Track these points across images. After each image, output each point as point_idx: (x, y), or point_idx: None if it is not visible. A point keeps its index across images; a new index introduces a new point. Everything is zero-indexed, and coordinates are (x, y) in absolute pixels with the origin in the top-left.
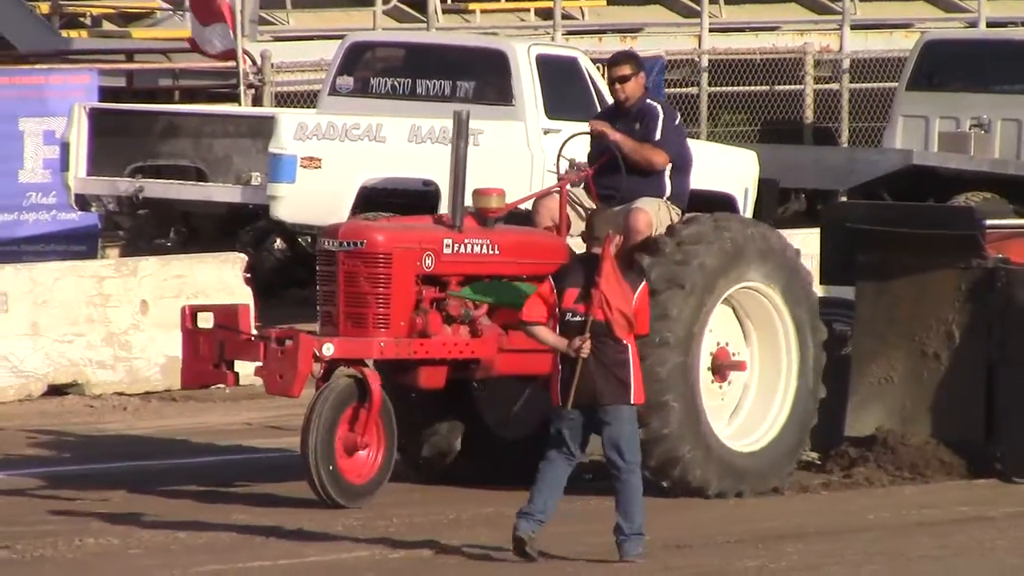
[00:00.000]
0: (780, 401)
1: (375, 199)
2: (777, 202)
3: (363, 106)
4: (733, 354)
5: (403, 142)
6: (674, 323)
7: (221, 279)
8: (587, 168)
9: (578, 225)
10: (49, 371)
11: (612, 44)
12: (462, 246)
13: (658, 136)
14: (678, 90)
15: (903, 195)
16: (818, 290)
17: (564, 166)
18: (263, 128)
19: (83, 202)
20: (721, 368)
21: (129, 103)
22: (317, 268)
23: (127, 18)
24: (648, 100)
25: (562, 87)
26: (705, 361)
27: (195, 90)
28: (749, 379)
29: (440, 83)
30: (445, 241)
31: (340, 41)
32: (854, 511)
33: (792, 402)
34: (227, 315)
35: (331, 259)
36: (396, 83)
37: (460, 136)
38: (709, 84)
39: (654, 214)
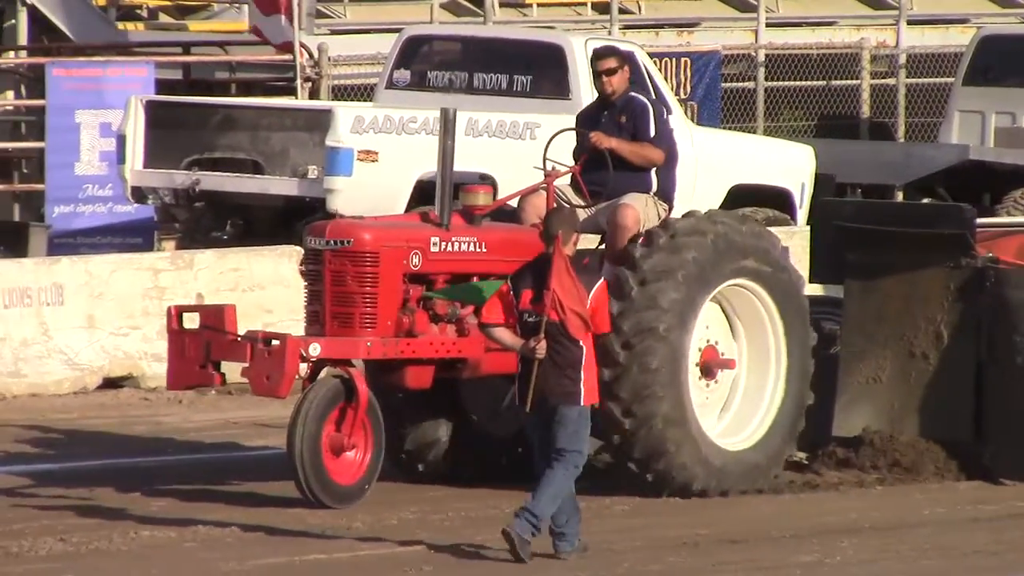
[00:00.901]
0: (768, 400)
1: (431, 192)
2: (833, 197)
3: (420, 100)
4: (721, 353)
5: (460, 136)
6: (664, 314)
7: (277, 272)
8: (574, 164)
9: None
10: (104, 364)
11: (669, 38)
12: (449, 244)
13: (652, 133)
14: (735, 85)
15: (959, 190)
16: (814, 289)
17: (549, 165)
18: (320, 121)
19: (139, 194)
20: (710, 366)
21: (185, 96)
22: (304, 267)
23: (184, 10)
24: (632, 93)
25: None
26: (694, 358)
27: (252, 83)
28: (737, 378)
29: (497, 77)
30: (432, 239)
31: (397, 35)
32: (909, 506)
33: (780, 402)
34: (213, 316)
35: (318, 258)
36: (453, 77)
37: (447, 133)
38: (766, 79)
39: (641, 210)
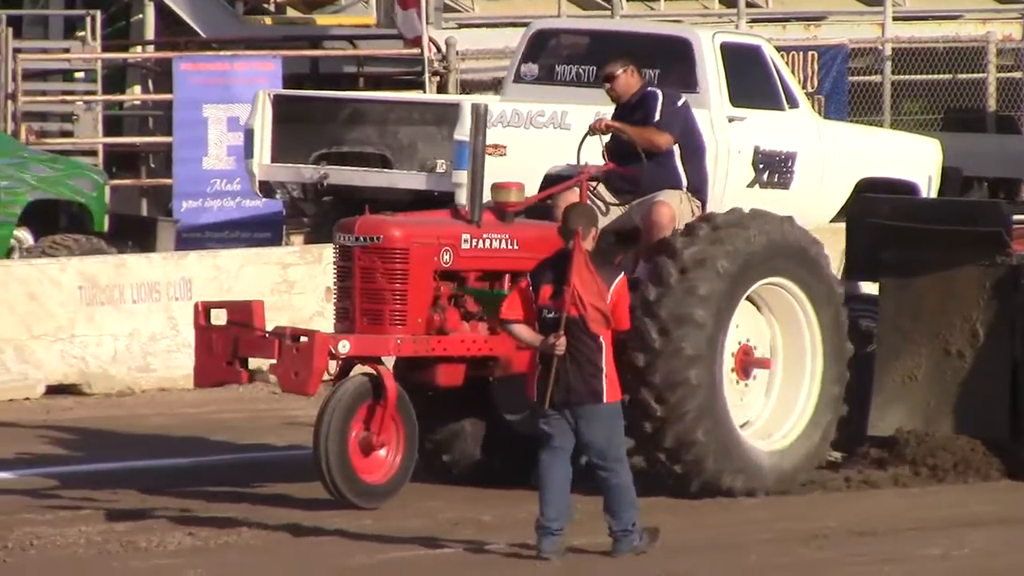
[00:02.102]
0: (803, 402)
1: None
2: (960, 190)
3: (547, 93)
4: (756, 350)
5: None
6: (704, 302)
7: None
8: (607, 162)
9: (599, 220)
10: None
11: (796, 32)
12: (480, 241)
13: (656, 117)
14: (861, 78)
15: None
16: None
17: (582, 161)
18: (448, 115)
19: (267, 189)
20: (745, 365)
21: (313, 90)
22: (333, 264)
23: (311, 5)
24: (648, 88)
25: (746, 75)
26: (730, 358)
27: (379, 77)
28: (772, 378)
29: None
30: (463, 236)
31: (525, 28)
32: None
33: (815, 404)
34: (241, 312)
35: (347, 254)
36: (580, 70)
37: (478, 130)
38: (892, 73)
39: (676, 207)
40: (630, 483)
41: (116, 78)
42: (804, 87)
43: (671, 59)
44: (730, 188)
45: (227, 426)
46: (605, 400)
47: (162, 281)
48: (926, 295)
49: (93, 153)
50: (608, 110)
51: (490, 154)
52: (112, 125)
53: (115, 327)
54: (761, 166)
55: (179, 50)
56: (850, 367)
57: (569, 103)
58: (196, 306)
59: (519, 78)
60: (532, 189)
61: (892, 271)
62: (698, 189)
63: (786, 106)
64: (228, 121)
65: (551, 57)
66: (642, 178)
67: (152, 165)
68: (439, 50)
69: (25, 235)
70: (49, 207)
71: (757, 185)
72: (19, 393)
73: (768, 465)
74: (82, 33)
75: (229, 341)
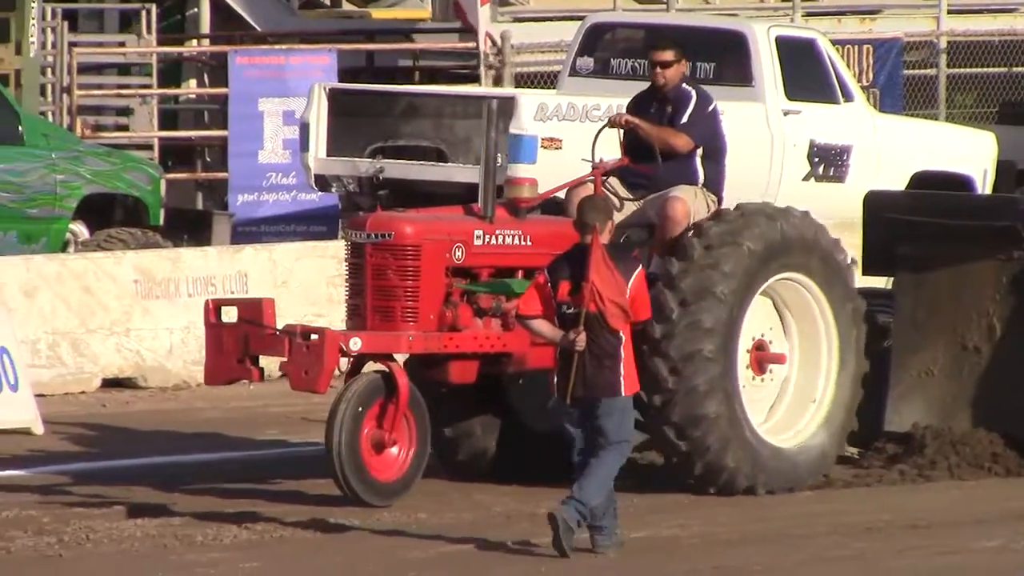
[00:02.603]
0: (819, 398)
1: None
2: (1015, 183)
3: (603, 87)
4: (771, 343)
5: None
6: (717, 303)
7: None
8: (622, 157)
9: (613, 215)
10: None
11: (851, 25)
12: (493, 237)
13: (684, 120)
14: (916, 72)
15: None
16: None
17: (597, 157)
18: (504, 109)
19: (323, 182)
20: (760, 361)
21: (368, 83)
22: (345, 260)
23: None
24: (684, 86)
25: (801, 68)
26: (744, 355)
27: (435, 71)
28: (788, 374)
29: None
30: (475, 232)
31: (580, 22)
32: None
33: (831, 400)
34: (251, 309)
35: (359, 251)
36: (636, 64)
37: (491, 126)
38: (947, 66)
39: (691, 202)
40: (611, 472)
41: (171, 72)
42: (859, 80)
43: (726, 53)
44: (785, 181)
45: (280, 420)
46: (622, 393)
47: (218, 275)
48: (942, 290)
49: (148, 147)
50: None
51: (546, 148)
52: (167, 119)
53: (170, 321)
54: (816, 159)
55: (234, 44)
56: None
57: (625, 97)
58: (206, 303)
59: (575, 72)
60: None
61: (908, 266)
62: (715, 186)
63: (841, 99)
64: (284, 115)
65: (606, 51)
66: (657, 174)
67: (207, 159)
68: (495, 44)
69: (80, 229)
70: (105, 201)
71: (812, 178)
72: (75, 387)
73: (785, 461)
74: (138, 27)
75: (239, 339)
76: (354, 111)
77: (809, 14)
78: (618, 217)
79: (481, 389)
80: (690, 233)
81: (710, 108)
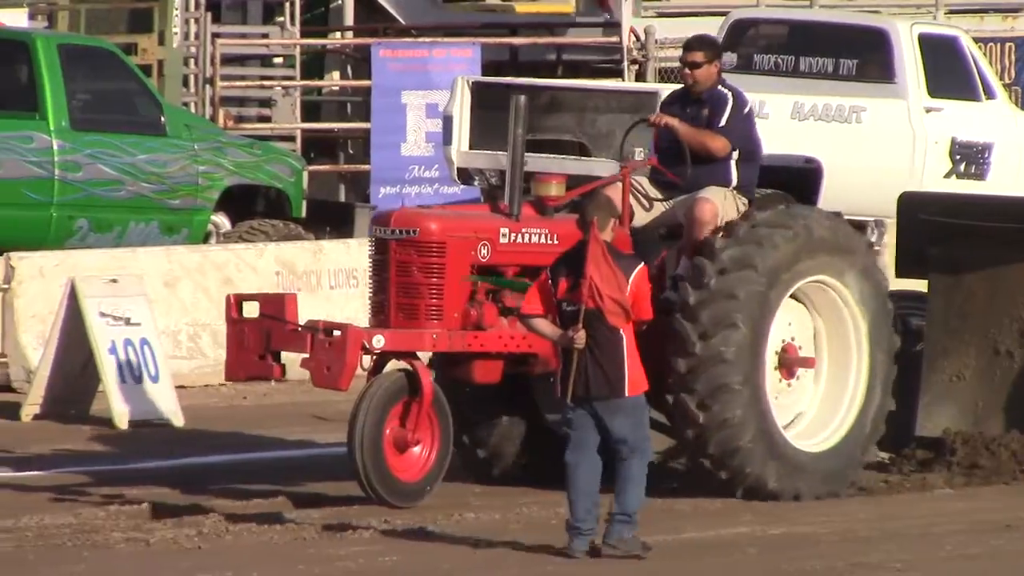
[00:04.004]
0: (848, 402)
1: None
2: None
3: (745, 82)
4: (801, 350)
5: (786, 119)
6: (743, 305)
7: None
8: (651, 156)
9: (640, 215)
10: None
11: (994, 23)
12: (519, 235)
13: (723, 123)
14: None
15: None
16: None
17: (628, 154)
18: (647, 103)
19: (465, 176)
20: (789, 364)
21: (511, 77)
22: (369, 257)
23: None
24: (720, 87)
25: (943, 66)
26: (773, 356)
27: (578, 65)
28: (817, 377)
29: (822, 61)
30: (501, 230)
31: (723, 18)
32: None
33: (861, 403)
34: (273, 304)
35: (383, 248)
36: (779, 60)
37: (517, 122)
38: None
39: (720, 204)
40: (643, 476)
41: (314, 64)
42: (1001, 78)
43: (869, 50)
44: (927, 179)
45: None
46: (627, 393)
47: (359, 267)
48: (975, 293)
49: (291, 139)
50: (823, 100)
51: None
52: (310, 111)
53: (312, 312)
54: (958, 157)
55: (378, 36)
56: (897, 365)
57: (767, 92)
58: (228, 298)
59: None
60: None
61: (941, 269)
62: (747, 188)
63: (983, 97)
64: (426, 108)
65: (749, 47)
66: (688, 175)
67: (350, 151)
68: (638, 38)
69: (222, 220)
70: (247, 192)
71: (954, 176)
72: (216, 379)
73: (813, 466)
74: (281, 19)
75: (261, 334)
76: (497, 104)
77: (951, 11)
78: (647, 217)
79: (507, 389)
80: (720, 235)
81: (746, 110)
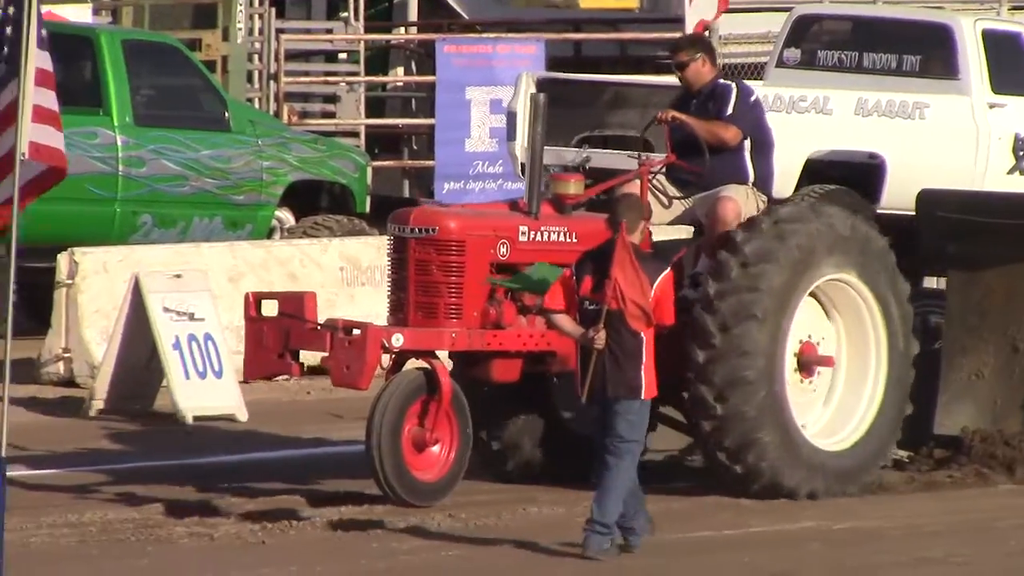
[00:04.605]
0: (867, 401)
1: (820, 172)
2: None
3: (809, 79)
4: (819, 347)
5: (849, 115)
6: (764, 297)
7: None
8: (669, 154)
9: (659, 213)
10: None
11: None
12: (538, 234)
13: (730, 111)
14: None
15: None
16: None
17: (644, 155)
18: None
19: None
20: (808, 363)
21: (575, 73)
22: (387, 255)
23: None
24: (721, 81)
25: (1007, 62)
26: (792, 353)
27: (642, 60)
28: (836, 376)
29: (886, 57)
30: (520, 228)
31: (787, 13)
32: None
33: (879, 402)
34: (292, 303)
35: (402, 246)
36: (843, 56)
37: (536, 120)
38: None
39: (742, 203)
40: (627, 480)
41: (378, 59)
42: None
43: (932, 46)
44: (990, 176)
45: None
46: (642, 396)
47: None
48: (994, 291)
49: (355, 134)
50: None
51: None
52: (374, 106)
53: (375, 308)
54: (1021, 153)
55: (442, 32)
56: (916, 364)
57: (831, 88)
58: (247, 297)
59: (781, 63)
60: (794, 174)
61: (960, 266)
62: (764, 183)
63: None
64: (491, 103)
65: (813, 42)
66: (706, 171)
67: (414, 147)
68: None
69: (286, 216)
70: (311, 188)
71: (1017, 172)
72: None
73: (831, 464)
74: (345, 14)
75: (280, 333)
76: (561, 100)
77: (1015, 7)
78: (667, 215)
79: (526, 387)
80: (742, 229)
81: (753, 98)
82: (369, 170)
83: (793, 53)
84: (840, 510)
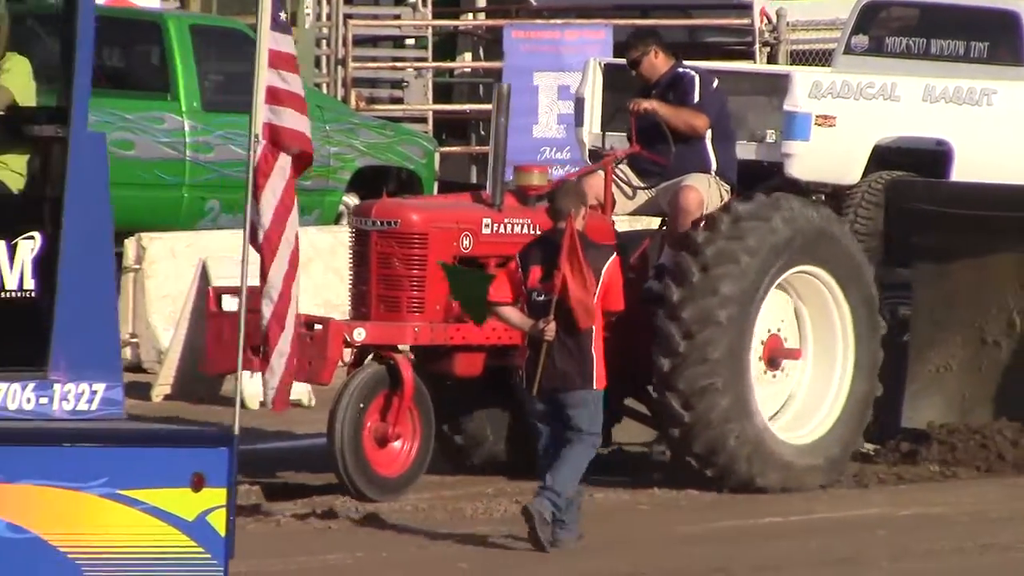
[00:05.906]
0: (835, 393)
1: (887, 158)
2: None
3: (877, 65)
4: (786, 342)
5: (917, 101)
6: (726, 302)
7: None
8: (634, 144)
9: (623, 203)
10: None
11: None
12: (501, 226)
13: (696, 99)
14: None
15: None
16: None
17: (608, 144)
18: (778, 86)
19: (597, 158)
20: (775, 356)
21: None
22: (349, 248)
23: None
24: (679, 69)
25: None
26: (757, 349)
27: (710, 47)
28: (803, 369)
29: (953, 43)
30: (484, 221)
31: (855, 0)
32: None
33: (847, 395)
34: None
35: (364, 239)
36: (910, 43)
37: (500, 111)
38: None
39: (705, 192)
40: (584, 462)
41: (446, 45)
42: None
43: (999, 32)
44: None
45: None
46: (594, 386)
47: None
48: (962, 283)
49: (422, 120)
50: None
51: (820, 125)
52: (442, 92)
53: None
54: None
55: (509, 18)
56: (884, 345)
57: (898, 75)
58: (208, 292)
59: (849, 50)
60: (861, 161)
61: (927, 257)
62: (727, 173)
63: None
64: (559, 89)
65: (881, 29)
66: (670, 161)
67: (482, 132)
68: (770, 21)
69: (354, 201)
70: (378, 173)
71: None
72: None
73: (801, 459)
74: (413, 0)
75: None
76: (629, 86)
77: None
78: (630, 206)
79: (488, 381)
80: (702, 225)
81: (714, 84)
82: (436, 156)
83: (861, 40)
84: (906, 496)
